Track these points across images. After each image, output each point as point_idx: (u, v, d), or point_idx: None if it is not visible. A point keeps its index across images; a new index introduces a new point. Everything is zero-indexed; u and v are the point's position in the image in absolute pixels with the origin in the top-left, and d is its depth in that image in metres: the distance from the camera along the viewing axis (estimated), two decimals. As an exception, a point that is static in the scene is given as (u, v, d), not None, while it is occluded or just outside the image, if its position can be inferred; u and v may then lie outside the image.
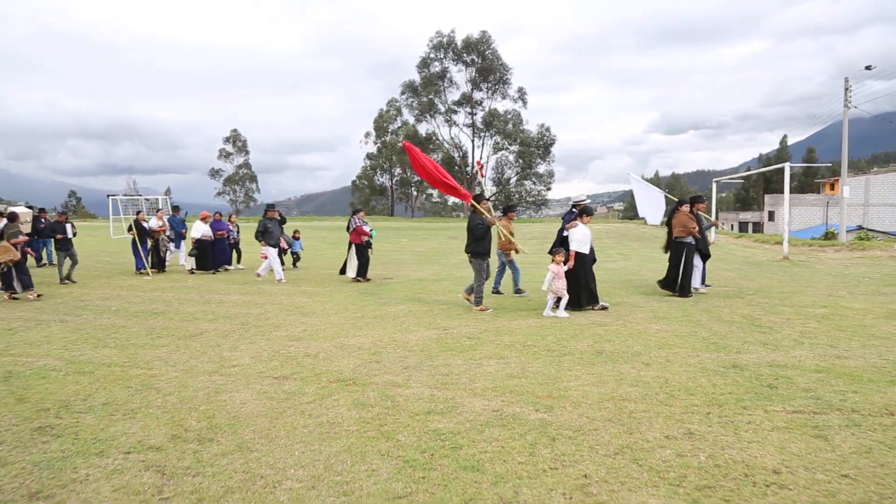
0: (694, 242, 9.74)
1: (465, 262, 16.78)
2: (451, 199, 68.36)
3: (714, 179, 20.59)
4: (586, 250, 8.50)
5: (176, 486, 3.14)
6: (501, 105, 69.21)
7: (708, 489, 3.07)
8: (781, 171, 16.09)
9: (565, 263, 8.25)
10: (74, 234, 12.44)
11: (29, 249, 12.18)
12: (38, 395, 4.72)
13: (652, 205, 11.88)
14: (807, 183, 73.18)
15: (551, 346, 6.27)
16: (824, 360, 5.57)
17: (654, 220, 11.87)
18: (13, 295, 9.92)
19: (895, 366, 5.35)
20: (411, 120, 70.52)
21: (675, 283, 9.78)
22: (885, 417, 4.06)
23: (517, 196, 68.29)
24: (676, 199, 10.50)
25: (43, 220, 13.42)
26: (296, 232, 15.70)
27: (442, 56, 67.62)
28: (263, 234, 12.17)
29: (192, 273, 13.94)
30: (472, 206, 8.86)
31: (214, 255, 14.33)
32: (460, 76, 72.70)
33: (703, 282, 10.38)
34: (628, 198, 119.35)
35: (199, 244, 14.04)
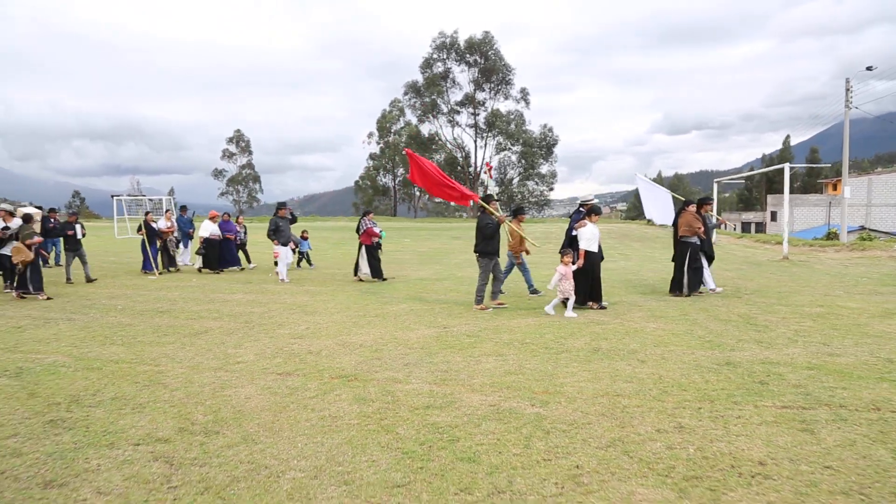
0: (699, 243, 9.84)
1: (467, 262, 16.93)
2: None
3: (715, 180, 20.68)
4: (595, 248, 8.65)
5: (184, 476, 3.27)
6: (504, 105, 69.31)
7: (695, 479, 3.19)
8: (784, 171, 16.18)
9: (574, 263, 8.36)
10: (84, 235, 12.61)
11: (43, 251, 12.37)
12: (48, 390, 4.86)
13: (659, 205, 11.97)
14: (810, 183, 73.15)
15: (549, 344, 6.39)
16: (816, 358, 5.68)
17: (662, 220, 11.95)
18: (23, 294, 10.08)
19: (885, 363, 5.46)
20: (414, 120, 70.69)
21: (681, 283, 9.87)
22: (871, 412, 4.18)
23: (519, 196, 68.37)
24: (683, 200, 10.59)
25: (52, 220, 13.58)
26: (304, 232, 15.84)
27: (445, 56, 67.75)
28: (275, 233, 12.32)
29: (201, 271, 14.10)
30: (482, 206, 9.00)
31: (221, 255, 14.48)
32: (463, 77, 72.78)
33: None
34: (631, 198, 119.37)
35: (207, 243, 14.20)
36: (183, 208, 16.14)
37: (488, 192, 9.36)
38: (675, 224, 10.27)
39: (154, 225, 14.01)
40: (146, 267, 13.84)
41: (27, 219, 10.62)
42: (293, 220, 13.15)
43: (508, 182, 69.91)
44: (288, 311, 8.68)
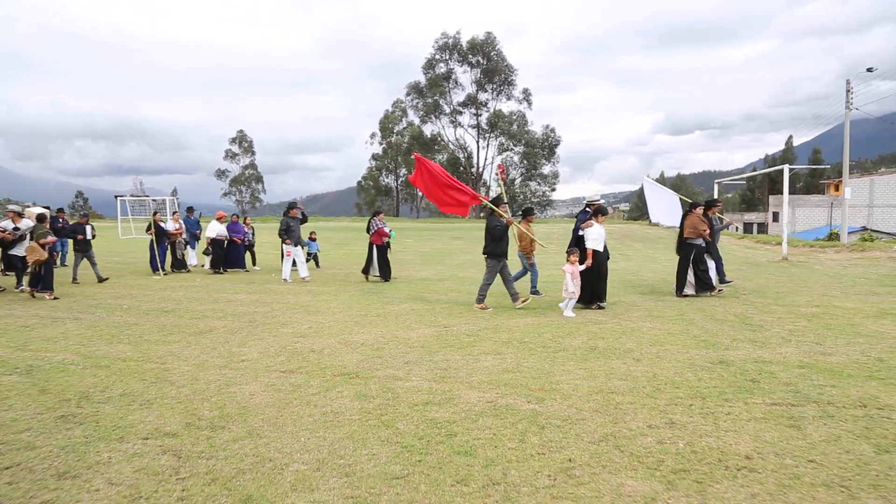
0: (703, 244, 9.94)
1: (469, 263, 17.06)
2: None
3: (716, 181, 20.77)
4: (601, 248, 8.78)
5: (191, 468, 3.40)
6: (506, 106, 69.44)
7: (683, 472, 3.31)
8: (784, 172, 16.27)
9: (581, 263, 8.46)
10: (94, 236, 12.77)
11: (53, 251, 12.56)
12: (58, 387, 5.00)
13: (665, 208, 12.05)
14: (812, 184, 73.14)
15: (547, 343, 6.52)
16: (808, 357, 5.80)
17: (668, 221, 12.03)
18: (35, 293, 10.26)
19: (875, 362, 5.58)
20: (416, 121, 70.85)
21: (683, 284, 9.98)
22: (857, 409, 4.29)
23: (521, 197, 68.49)
24: (690, 202, 10.67)
25: (60, 221, 13.75)
26: (312, 233, 15.97)
27: (447, 57, 67.91)
28: (286, 233, 12.46)
29: (212, 272, 14.21)
30: (491, 208, 9.14)
31: (227, 255, 14.61)
32: (465, 77, 72.99)
33: (722, 280, 10.63)
34: (634, 198, 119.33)
35: (214, 243, 14.32)
36: (190, 209, 16.26)
37: (498, 195, 9.48)
38: (680, 226, 10.37)
39: (162, 225, 14.15)
40: (156, 268, 14.00)
41: (41, 219, 10.81)
42: (304, 219, 13.28)
43: (511, 183, 70.04)
44: (291, 311, 8.82)
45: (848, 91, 25.72)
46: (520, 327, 7.46)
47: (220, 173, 78.79)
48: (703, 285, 9.87)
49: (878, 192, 45.44)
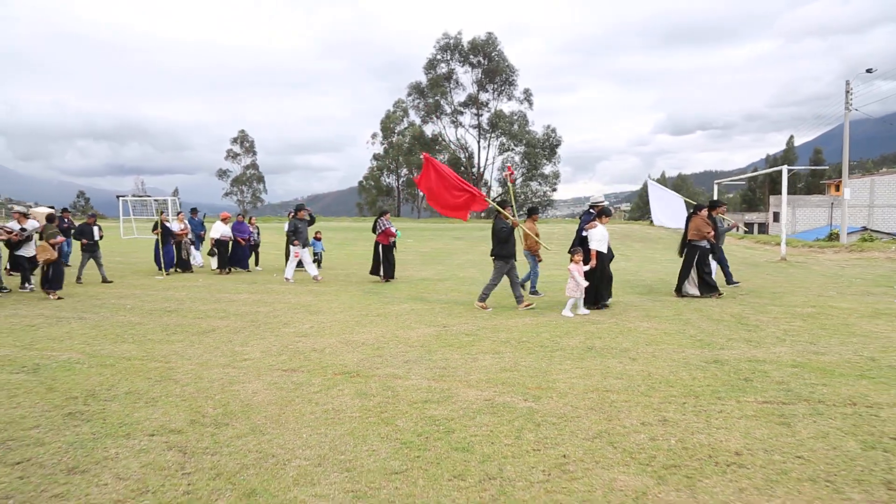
0: (708, 246, 10.02)
1: (469, 263, 17.17)
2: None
3: (715, 181, 20.88)
4: (605, 249, 8.88)
5: (197, 463, 3.51)
6: (507, 106, 69.61)
7: (674, 468, 3.41)
8: (782, 173, 16.36)
9: (586, 263, 8.54)
10: (101, 237, 12.89)
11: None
12: (65, 386, 5.11)
13: (666, 209, 12.12)
14: (813, 184, 73.18)
15: (545, 343, 6.62)
16: (801, 356, 5.89)
17: (672, 224, 12.10)
18: (50, 291, 10.40)
19: (867, 361, 5.67)
20: (418, 121, 70.99)
21: (682, 286, 10.07)
22: (847, 407, 4.39)
23: (522, 197, 68.62)
24: (695, 204, 10.74)
25: (66, 220, 13.89)
26: (317, 233, 16.10)
27: (448, 57, 68.09)
28: (294, 234, 12.57)
29: (219, 272, 14.30)
30: (497, 210, 9.26)
31: (232, 254, 14.70)
32: (466, 77, 73.11)
33: (729, 281, 10.72)
34: (635, 198, 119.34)
35: (218, 244, 14.41)
36: (194, 210, 16.35)
37: (503, 197, 9.61)
38: (685, 227, 10.44)
39: (168, 226, 14.26)
40: (167, 266, 14.12)
41: (51, 219, 10.96)
42: (311, 221, 13.39)
43: (512, 183, 70.17)
44: (292, 311, 8.93)
45: (847, 92, 25.80)
46: (518, 327, 7.56)
47: (222, 173, 78.97)
48: (708, 288, 9.91)
49: (878, 192, 45.49)
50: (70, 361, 5.94)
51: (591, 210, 9.48)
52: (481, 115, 69.66)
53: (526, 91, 68.41)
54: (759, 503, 3.01)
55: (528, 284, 10.55)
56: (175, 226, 14.63)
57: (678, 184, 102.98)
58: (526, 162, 68.31)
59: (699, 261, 9.94)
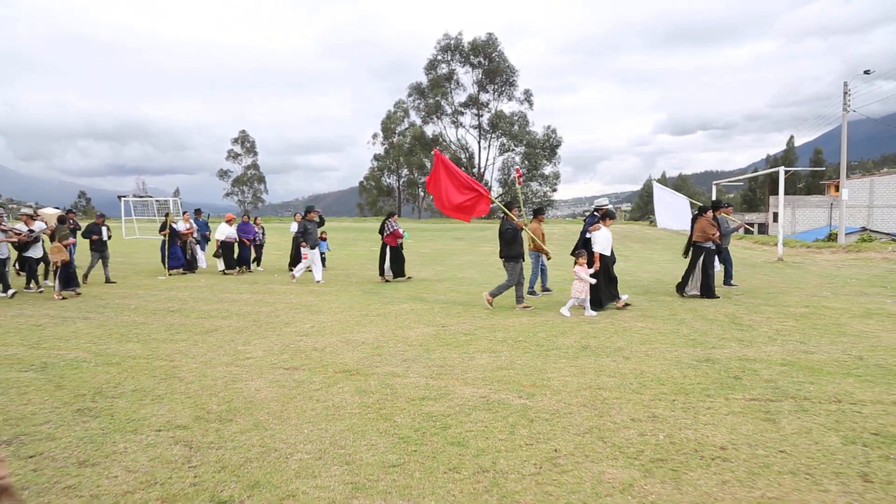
0: (713, 247, 10.13)
1: (469, 263, 17.31)
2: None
3: (714, 182, 21.01)
4: (608, 252, 9.01)
5: (202, 457, 3.65)
6: (508, 107, 69.84)
7: (660, 461, 3.55)
8: (780, 174, 16.48)
9: (590, 266, 8.67)
10: (109, 237, 13.04)
11: None
12: (73, 383, 5.25)
13: (670, 211, 12.21)
14: (813, 184, 73.25)
15: (541, 342, 6.76)
16: (791, 355, 6.03)
17: (676, 226, 12.20)
18: (73, 291, 10.56)
19: (855, 360, 5.81)
20: (418, 121, 71.18)
21: (685, 285, 10.20)
22: (831, 404, 4.53)
23: (522, 197, 68.87)
24: (700, 206, 10.85)
25: (71, 221, 14.05)
26: (323, 233, 16.23)
27: (449, 58, 68.29)
28: (304, 235, 12.69)
29: (224, 274, 14.41)
30: (504, 211, 9.41)
31: (240, 254, 14.82)
32: (467, 78, 73.47)
33: (727, 282, 10.83)
34: (636, 199, 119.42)
35: (223, 245, 14.53)
36: (198, 211, 16.48)
37: (511, 198, 9.73)
38: (690, 229, 10.54)
39: (175, 226, 14.40)
40: (178, 263, 14.25)
41: (62, 220, 11.14)
42: (321, 222, 13.52)
43: (512, 183, 70.29)
44: (294, 311, 9.07)
45: (845, 93, 25.92)
46: (515, 326, 7.70)
47: (223, 173, 79.22)
48: (709, 291, 9.98)
49: (878, 192, 45.56)
50: (77, 360, 6.09)
51: (596, 213, 9.62)
52: (482, 115, 69.88)
53: (526, 91, 68.67)
54: (740, 495, 3.15)
55: (528, 285, 10.69)
56: (181, 226, 14.78)
57: (679, 184, 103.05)
58: (526, 162, 68.51)
59: (704, 262, 10.04)
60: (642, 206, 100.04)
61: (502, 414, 4.36)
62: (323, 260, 16.04)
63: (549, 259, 10.68)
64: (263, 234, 16.16)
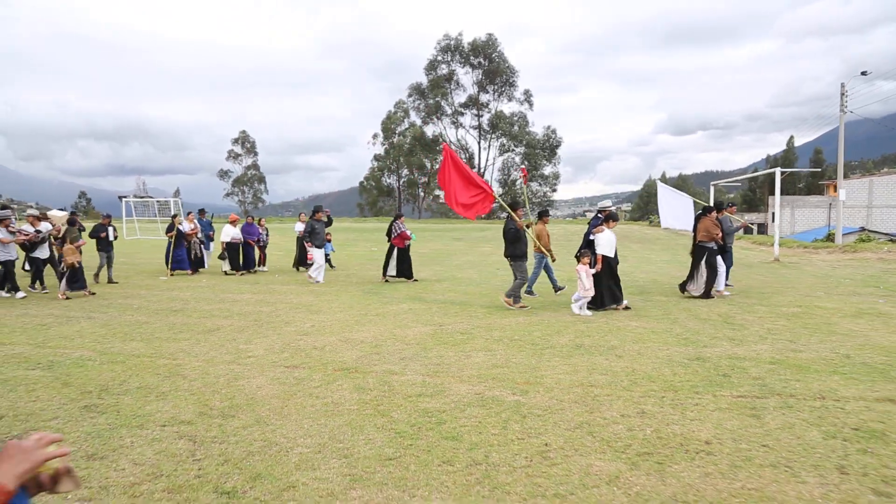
0: (716, 248, 10.26)
1: (468, 264, 17.46)
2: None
3: (711, 183, 21.13)
4: (612, 254, 9.15)
5: (206, 451, 3.79)
6: (507, 107, 69.98)
7: (646, 455, 3.69)
8: (775, 175, 16.63)
9: (592, 266, 8.81)
10: (116, 237, 13.18)
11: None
12: (79, 381, 5.40)
13: (674, 211, 12.32)
14: (813, 184, 73.34)
15: (536, 341, 6.90)
16: (780, 354, 6.17)
17: (680, 225, 12.32)
18: (66, 293, 10.71)
19: (842, 358, 5.95)
20: (418, 122, 71.35)
21: (688, 284, 10.33)
22: (815, 401, 4.67)
23: (522, 198, 69.01)
24: (704, 206, 10.95)
25: (74, 222, 14.21)
26: (327, 234, 16.35)
27: (449, 59, 68.46)
28: (311, 235, 12.80)
29: (228, 274, 14.53)
30: (508, 211, 9.56)
31: (245, 256, 14.94)
32: (467, 78, 73.58)
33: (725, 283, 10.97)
34: (636, 199, 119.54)
35: (229, 247, 14.64)
36: (202, 211, 16.59)
37: (516, 199, 9.88)
38: (694, 229, 10.66)
39: (180, 227, 14.52)
40: (184, 266, 14.39)
41: (72, 222, 11.31)
42: (329, 222, 13.63)
43: (512, 183, 70.47)
44: (294, 311, 9.22)
45: (843, 94, 26.05)
46: (511, 326, 7.84)
47: (223, 174, 79.36)
48: (707, 293, 10.10)
49: (877, 192, 45.68)
50: (82, 358, 6.23)
51: (599, 215, 9.79)
52: (482, 115, 70.06)
53: (526, 92, 68.86)
54: (721, 486, 3.29)
55: (527, 285, 10.83)
56: (185, 226, 14.92)
57: (678, 184, 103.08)
58: (526, 163, 68.65)
59: (709, 261, 10.16)
60: (642, 207, 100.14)
61: (496, 410, 4.51)
62: (328, 261, 16.17)
63: (553, 261, 10.81)
64: (267, 235, 16.26)
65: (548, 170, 69.91)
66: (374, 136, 76.05)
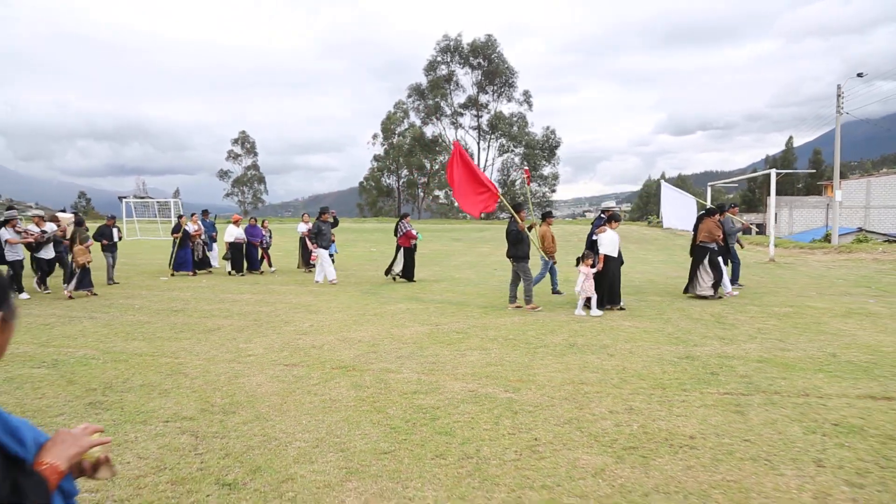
0: (717, 248, 10.37)
1: (467, 264, 17.60)
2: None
3: (709, 184, 21.30)
4: (615, 253, 9.28)
5: (208, 445, 3.93)
6: (507, 108, 70.11)
7: (632, 449, 3.83)
8: (771, 176, 16.74)
9: (594, 266, 8.95)
10: (120, 238, 13.31)
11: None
12: (84, 379, 5.53)
13: (677, 211, 12.43)
14: (812, 185, 73.49)
15: (530, 340, 7.05)
16: (768, 352, 6.31)
17: (682, 226, 12.43)
18: (72, 294, 10.86)
19: (829, 357, 6.10)
20: (418, 122, 71.49)
21: (690, 284, 10.47)
22: (799, 398, 4.81)
23: (521, 198, 69.12)
24: (706, 207, 11.07)
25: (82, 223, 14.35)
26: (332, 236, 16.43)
27: (448, 59, 68.59)
28: (317, 236, 12.90)
29: (231, 275, 14.64)
30: (511, 212, 9.71)
31: (248, 256, 15.06)
32: (466, 79, 73.74)
33: (733, 282, 11.10)
34: (635, 199, 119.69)
35: (233, 247, 14.76)
36: (205, 212, 16.72)
37: (520, 200, 10.04)
38: (695, 229, 10.79)
39: (186, 228, 14.65)
40: (186, 268, 14.52)
41: (80, 222, 11.48)
42: (335, 223, 13.75)
43: (511, 184, 70.64)
44: (293, 310, 9.35)
45: (839, 96, 26.19)
46: (506, 325, 7.98)
47: (223, 174, 79.44)
48: (715, 290, 10.19)
49: (874, 193, 45.81)
50: (86, 357, 6.37)
51: (602, 215, 9.94)
52: (481, 116, 70.20)
53: (525, 93, 68.99)
54: (702, 478, 3.43)
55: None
56: (190, 227, 15.05)
57: (678, 184, 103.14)
58: (525, 163, 68.79)
59: (712, 260, 10.28)
60: (642, 207, 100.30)
61: (488, 406, 4.65)
62: (332, 260, 16.26)
63: (554, 263, 10.94)
64: (270, 236, 16.37)
65: (547, 170, 70.12)
66: (374, 136, 76.14)
